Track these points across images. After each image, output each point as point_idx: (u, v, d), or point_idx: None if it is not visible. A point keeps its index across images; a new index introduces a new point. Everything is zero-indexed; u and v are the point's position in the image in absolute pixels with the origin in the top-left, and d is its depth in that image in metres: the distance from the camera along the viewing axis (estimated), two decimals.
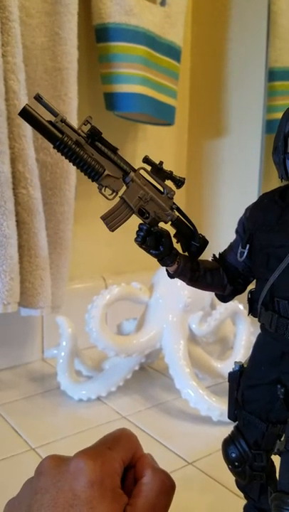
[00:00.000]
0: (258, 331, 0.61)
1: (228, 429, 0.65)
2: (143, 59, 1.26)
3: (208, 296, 1.16)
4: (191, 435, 1.01)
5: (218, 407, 1.01)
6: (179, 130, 1.56)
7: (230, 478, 0.65)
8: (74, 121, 1.16)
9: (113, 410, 1.09)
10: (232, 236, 0.61)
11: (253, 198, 0.59)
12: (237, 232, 0.59)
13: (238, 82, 1.45)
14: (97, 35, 1.23)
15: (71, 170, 1.16)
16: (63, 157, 0.49)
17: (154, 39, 1.28)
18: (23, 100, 1.03)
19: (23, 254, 1.08)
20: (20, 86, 1.03)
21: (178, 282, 0.59)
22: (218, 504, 0.81)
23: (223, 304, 0.66)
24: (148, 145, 1.51)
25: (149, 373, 1.27)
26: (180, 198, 1.60)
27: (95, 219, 0.60)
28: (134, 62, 1.24)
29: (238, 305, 1.11)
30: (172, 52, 1.35)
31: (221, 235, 1.48)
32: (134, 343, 1.08)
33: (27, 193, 1.05)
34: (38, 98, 0.48)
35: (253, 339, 1.16)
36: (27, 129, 1.04)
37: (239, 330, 1.14)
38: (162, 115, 1.37)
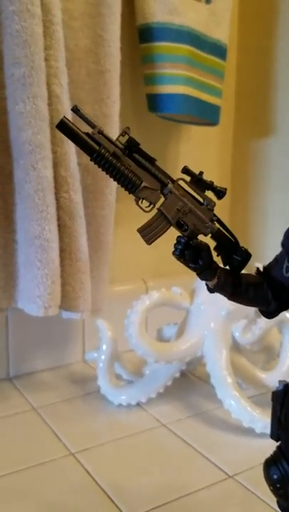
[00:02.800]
0: None
1: (271, 442, 0.62)
2: (187, 58, 1.23)
3: None
4: (232, 447, 0.98)
5: (261, 419, 0.98)
6: (224, 130, 1.53)
7: (273, 495, 0.62)
8: (116, 123, 1.15)
9: (153, 417, 1.07)
10: (280, 244, 0.57)
11: None
12: (283, 245, 0.56)
13: (286, 80, 1.40)
14: (141, 36, 1.22)
15: None
16: (100, 169, 0.48)
17: (198, 38, 1.25)
18: (66, 104, 1.03)
19: (64, 258, 1.08)
20: (63, 90, 1.03)
21: None
22: None
23: None
24: (191, 146, 1.48)
25: (190, 380, 1.24)
26: (224, 202, 1.55)
27: (136, 221, 0.59)
28: (178, 62, 1.22)
29: (286, 313, 1.07)
30: (217, 50, 1.32)
31: (268, 242, 1.43)
32: (174, 350, 1.06)
33: (69, 197, 1.05)
34: (76, 110, 0.47)
35: None
36: None
37: (286, 339, 1.10)
38: (206, 115, 1.33)
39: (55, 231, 1.04)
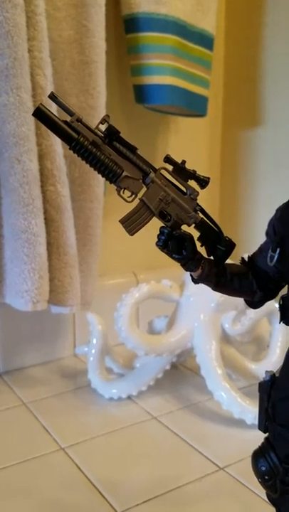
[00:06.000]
0: None
1: (262, 433, 0.61)
2: (173, 49, 1.22)
3: None
4: (223, 438, 0.98)
5: (251, 410, 0.97)
6: (212, 121, 1.52)
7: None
8: (102, 115, 1.13)
9: (144, 410, 1.07)
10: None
11: None
12: (267, 234, 0.55)
13: (274, 70, 1.39)
14: (126, 26, 1.20)
15: None
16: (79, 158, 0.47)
17: (185, 28, 1.24)
18: None
19: (51, 252, 1.07)
20: (47, 81, 1.01)
21: None
22: None
23: None
24: (180, 138, 1.47)
25: (181, 372, 1.24)
26: (214, 193, 1.55)
27: None
28: (164, 53, 1.20)
29: (275, 304, 1.06)
30: (204, 40, 1.30)
31: (257, 231, 1.42)
32: (163, 343, 1.05)
33: (55, 190, 1.04)
34: (53, 97, 0.46)
35: None
36: None
37: (275, 329, 1.10)
38: (194, 106, 1.32)
39: (41, 225, 1.03)
